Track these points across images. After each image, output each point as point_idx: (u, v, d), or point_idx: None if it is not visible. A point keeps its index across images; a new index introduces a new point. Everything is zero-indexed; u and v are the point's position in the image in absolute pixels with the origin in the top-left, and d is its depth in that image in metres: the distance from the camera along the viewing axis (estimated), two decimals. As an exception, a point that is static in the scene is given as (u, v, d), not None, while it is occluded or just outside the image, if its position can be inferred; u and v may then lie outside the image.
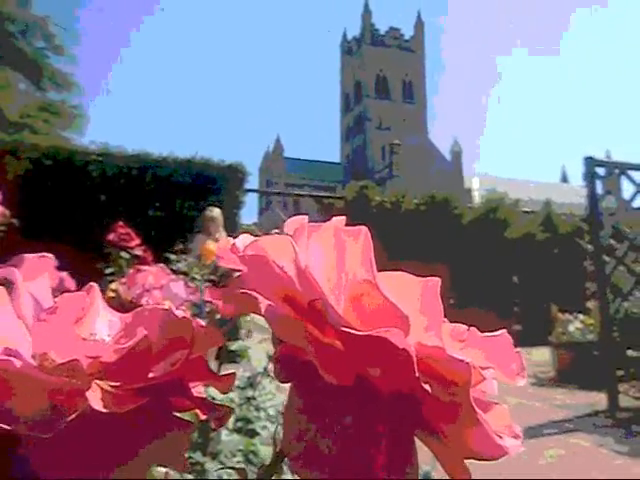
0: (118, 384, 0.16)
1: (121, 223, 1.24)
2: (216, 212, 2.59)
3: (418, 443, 0.16)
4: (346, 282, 0.15)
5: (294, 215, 0.19)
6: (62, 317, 0.16)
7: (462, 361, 0.14)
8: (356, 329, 0.15)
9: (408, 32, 45.53)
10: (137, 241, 1.21)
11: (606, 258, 3.09)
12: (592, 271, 3.27)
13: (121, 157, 4.80)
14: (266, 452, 1.00)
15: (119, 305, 0.72)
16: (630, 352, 3.09)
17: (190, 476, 0.82)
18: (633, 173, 3.17)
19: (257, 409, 1.15)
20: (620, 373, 3.02)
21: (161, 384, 0.16)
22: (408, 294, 0.15)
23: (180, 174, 4.81)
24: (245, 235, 0.18)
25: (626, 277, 3.13)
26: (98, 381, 0.16)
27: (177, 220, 4.43)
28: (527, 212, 7.23)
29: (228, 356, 1.18)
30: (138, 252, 1.19)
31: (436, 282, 0.16)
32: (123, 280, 0.77)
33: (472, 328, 0.17)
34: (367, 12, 44.11)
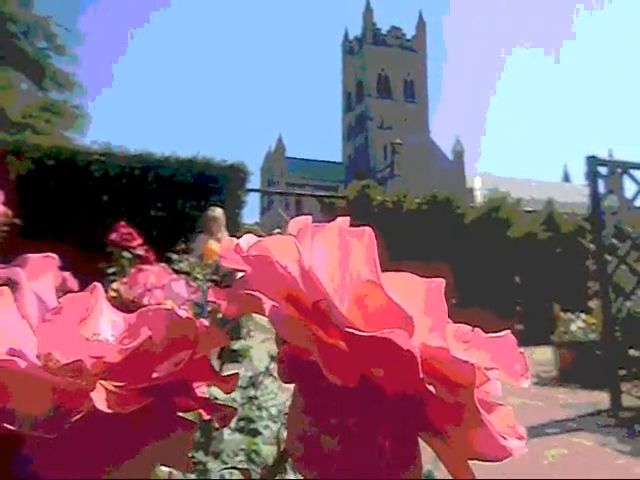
0: (122, 384, 0.16)
1: (123, 223, 1.24)
2: (218, 212, 2.59)
3: (419, 442, 0.16)
4: (350, 282, 0.15)
5: (296, 215, 0.19)
6: (66, 317, 0.16)
7: (466, 362, 0.14)
8: (360, 330, 0.15)
9: (410, 31, 45.50)
10: (139, 241, 1.21)
11: (608, 257, 3.08)
12: (594, 270, 3.26)
13: (123, 157, 4.81)
14: (268, 451, 1.00)
15: (121, 305, 0.72)
16: (632, 351, 3.08)
17: (192, 475, 0.82)
18: (635, 172, 3.16)
19: (259, 408, 1.15)
20: (622, 372, 3.02)
21: (165, 384, 0.16)
22: (412, 295, 0.15)
23: (182, 174, 4.82)
24: (249, 235, 0.18)
25: (628, 276, 3.12)
26: (102, 381, 0.16)
27: (179, 220, 4.44)
28: (529, 211, 7.22)
29: (230, 356, 1.19)
30: (140, 252, 1.19)
31: (440, 283, 0.15)
32: (125, 280, 0.77)
33: (476, 329, 0.17)
34: (369, 11, 44.07)
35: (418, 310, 0.15)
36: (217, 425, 0.18)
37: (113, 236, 1.21)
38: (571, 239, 5.94)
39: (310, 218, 0.17)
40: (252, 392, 1.16)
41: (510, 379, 0.17)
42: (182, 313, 0.18)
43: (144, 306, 0.19)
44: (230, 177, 4.94)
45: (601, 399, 2.94)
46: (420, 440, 0.16)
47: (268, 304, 0.16)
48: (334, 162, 45.41)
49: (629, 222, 3.18)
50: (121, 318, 0.21)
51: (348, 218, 0.17)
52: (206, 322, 0.18)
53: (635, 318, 3.11)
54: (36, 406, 0.14)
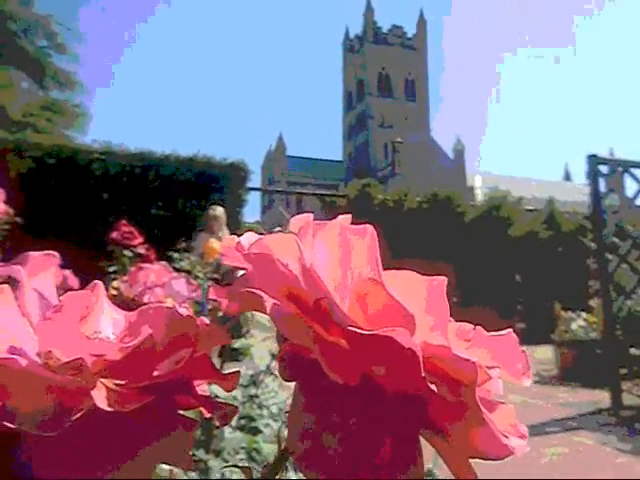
0: (123, 382, 0.16)
1: (124, 221, 1.24)
2: (219, 210, 2.59)
3: (420, 441, 0.16)
4: (352, 281, 0.15)
5: (297, 213, 0.19)
6: (67, 315, 0.16)
7: (468, 361, 0.14)
8: (362, 328, 0.14)
9: (411, 30, 45.48)
10: (140, 239, 1.21)
11: (609, 256, 3.08)
12: (595, 269, 3.26)
13: (124, 155, 4.80)
14: (269, 450, 1.00)
15: (121, 303, 0.72)
16: (633, 350, 3.08)
17: (193, 474, 0.82)
18: (636, 171, 3.16)
19: (260, 407, 1.15)
20: (623, 371, 3.01)
21: (166, 382, 0.16)
22: (414, 293, 0.15)
23: (183, 172, 4.81)
24: (250, 233, 0.18)
25: (629, 275, 3.12)
26: (103, 380, 0.16)
27: (180, 218, 4.44)
28: (530, 210, 7.21)
29: (231, 354, 1.19)
30: (141, 250, 1.19)
31: (442, 281, 0.15)
32: (125, 278, 0.77)
33: (478, 327, 0.17)
34: (369, 10, 44.02)
35: (420, 308, 0.15)
36: (218, 423, 0.18)
37: (114, 234, 1.21)
38: (572, 238, 5.93)
39: (311, 216, 0.17)
40: (253, 390, 1.17)
41: (512, 378, 0.17)
42: (183, 311, 0.18)
43: (145, 304, 0.19)
44: (231, 176, 4.93)
45: (602, 398, 2.94)
46: (421, 438, 0.16)
47: (269, 302, 0.16)
48: (335, 161, 45.41)
49: (630, 221, 3.18)
50: (122, 316, 0.21)
51: (349, 216, 0.17)
52: (207, 320, 0.18)
53: (636, 317, 3.10)
54: (36, 404, 0.14)
